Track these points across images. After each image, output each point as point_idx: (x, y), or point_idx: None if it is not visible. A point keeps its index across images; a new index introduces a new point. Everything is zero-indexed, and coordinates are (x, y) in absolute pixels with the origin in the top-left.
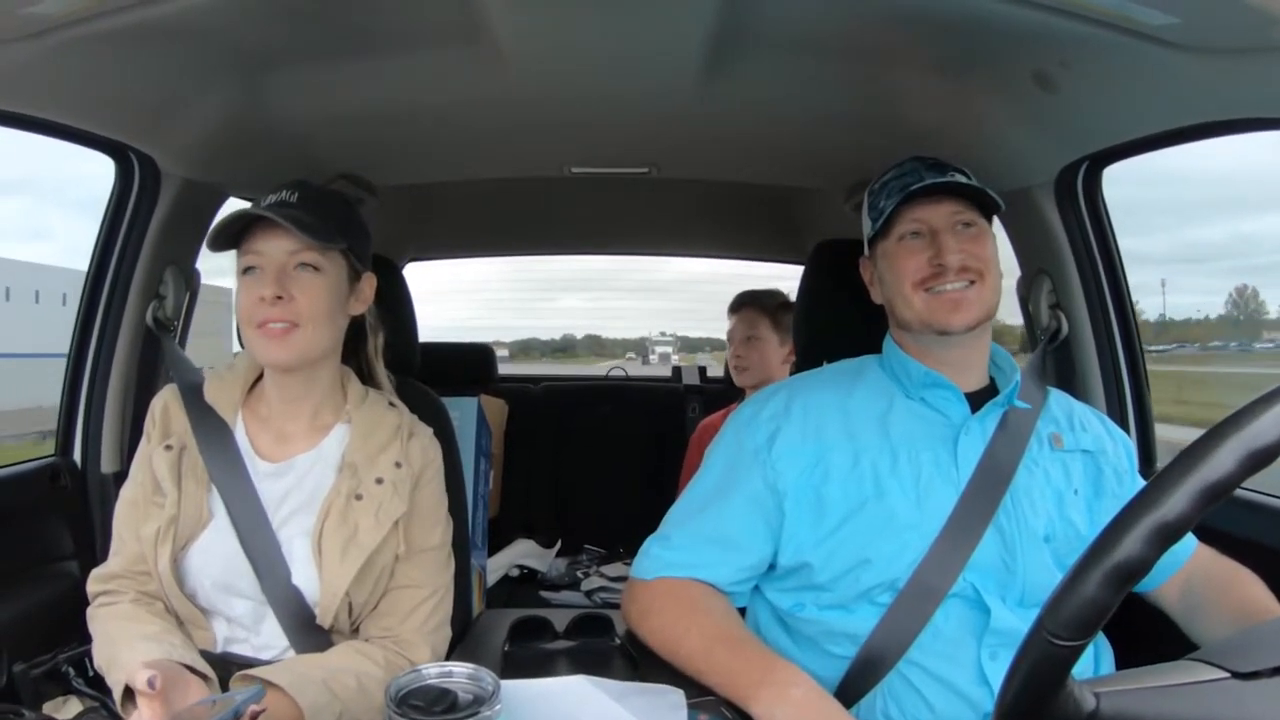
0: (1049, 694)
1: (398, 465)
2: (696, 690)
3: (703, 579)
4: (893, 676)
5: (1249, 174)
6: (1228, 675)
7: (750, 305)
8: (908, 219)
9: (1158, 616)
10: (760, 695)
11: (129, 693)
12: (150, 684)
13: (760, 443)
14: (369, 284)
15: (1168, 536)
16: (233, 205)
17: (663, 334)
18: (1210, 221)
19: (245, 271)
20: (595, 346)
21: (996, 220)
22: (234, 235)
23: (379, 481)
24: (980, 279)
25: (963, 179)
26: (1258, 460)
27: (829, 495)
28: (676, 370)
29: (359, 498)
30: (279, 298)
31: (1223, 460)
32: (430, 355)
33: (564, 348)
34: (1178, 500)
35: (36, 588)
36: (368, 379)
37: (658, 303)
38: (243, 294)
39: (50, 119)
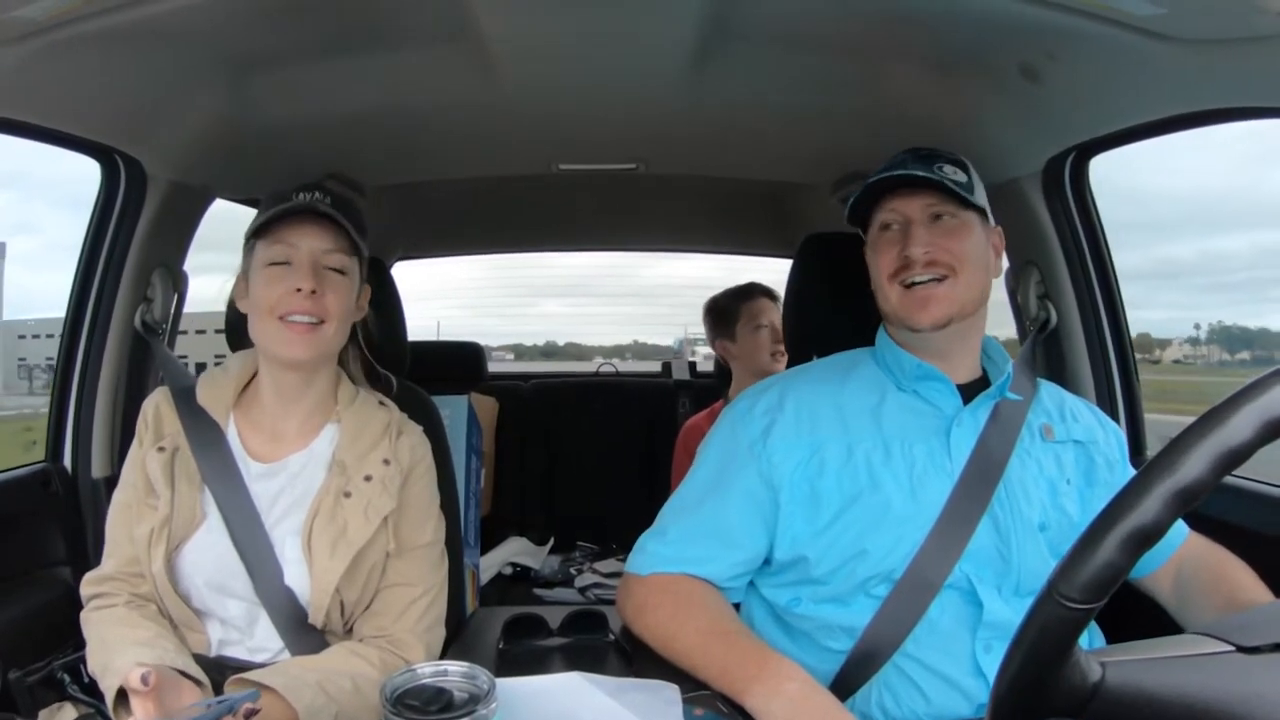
0: (1055, 661)
1: (386, 463)
2: (692, 685)
3: (698, 574)
4: (888, 669)
5: (1218, 191)
6: (1232, 649)
7: (764, 294)
8: (885, 210)
9: (1148, 607)
10: (755, 689)
11: (122, 698)
12: (144, 680)
13: (755, 436)
14: (366, 294)
15: (1185, 500)
16: (220, 207)
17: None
18: (1181, 238)
19: (272, 264)
20: (577, 352)
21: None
22: (259, 225)
23: (368, 479)
24: (952, 274)
25: (953, 169)
26: (1274, 429)
27: (824, 488)
28: (666, 366)
29: (348, 495)
30: (314, 292)
31: (1240, 427)
32: (420, 354)
33: (549, 353)
34: (1195, 464)
35: (29, 594)
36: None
37: (637, 309)
38: (268, 285)
39: (35, 123)
